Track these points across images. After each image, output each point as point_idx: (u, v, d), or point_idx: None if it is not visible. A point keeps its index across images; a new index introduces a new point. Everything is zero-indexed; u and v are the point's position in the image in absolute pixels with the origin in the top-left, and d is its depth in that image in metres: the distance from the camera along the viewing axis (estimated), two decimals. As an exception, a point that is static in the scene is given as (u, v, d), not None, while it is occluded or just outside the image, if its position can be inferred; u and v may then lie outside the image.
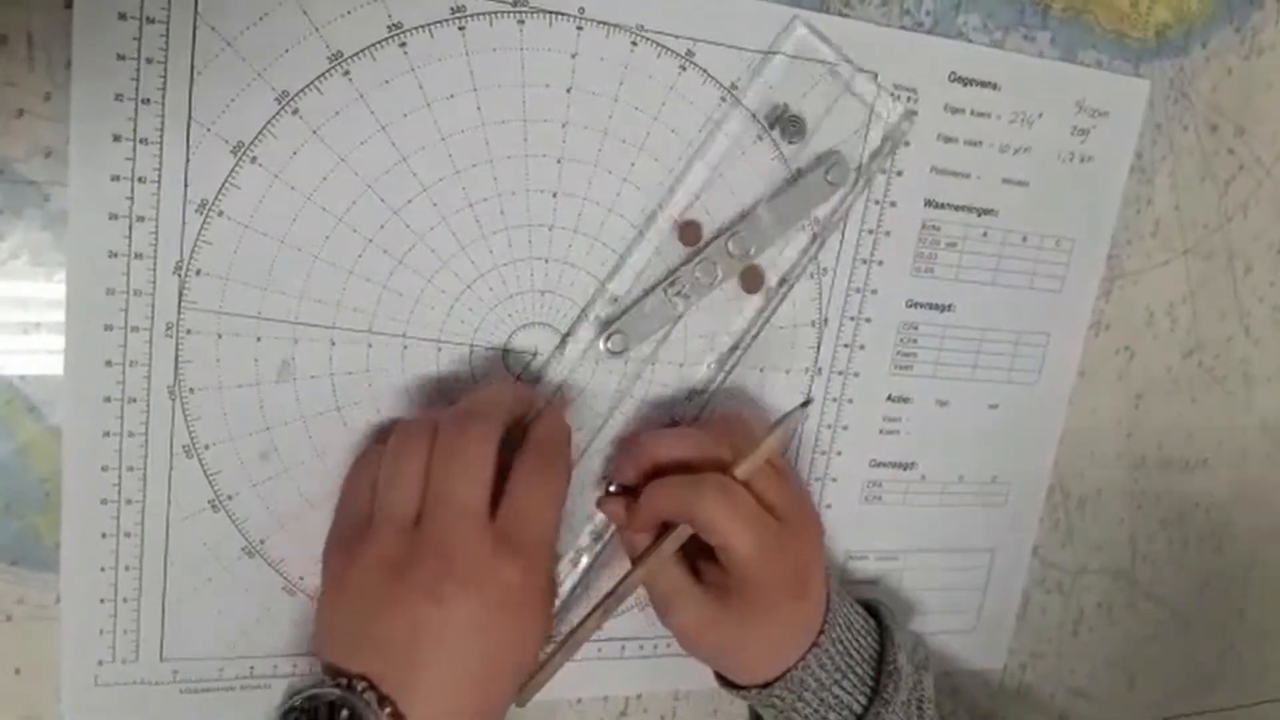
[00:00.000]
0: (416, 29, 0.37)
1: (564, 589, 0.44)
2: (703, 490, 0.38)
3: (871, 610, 0.46)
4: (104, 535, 0.38)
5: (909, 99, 0.44)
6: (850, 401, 0.47)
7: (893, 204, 0.45)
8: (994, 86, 0.45)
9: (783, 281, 0.44)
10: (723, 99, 0.41)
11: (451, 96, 0.38)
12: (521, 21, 0.38)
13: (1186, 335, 0.55)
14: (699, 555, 0.41)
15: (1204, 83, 0.50)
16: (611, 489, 0.43)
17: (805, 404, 0.41)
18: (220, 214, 0.36)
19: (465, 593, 0.34)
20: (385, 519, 0.35)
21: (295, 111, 0.36)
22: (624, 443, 0.44)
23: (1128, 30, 0.48)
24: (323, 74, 0.36)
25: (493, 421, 0.36)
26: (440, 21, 0.37)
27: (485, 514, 0.35)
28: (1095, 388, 0.53)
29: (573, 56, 0.39)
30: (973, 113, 0.45)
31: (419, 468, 0.35)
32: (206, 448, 0.38)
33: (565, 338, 0.42)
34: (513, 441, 0.38)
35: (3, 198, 0.34)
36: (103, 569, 0.38)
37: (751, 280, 0.44)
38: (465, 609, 0.34)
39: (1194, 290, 0.54)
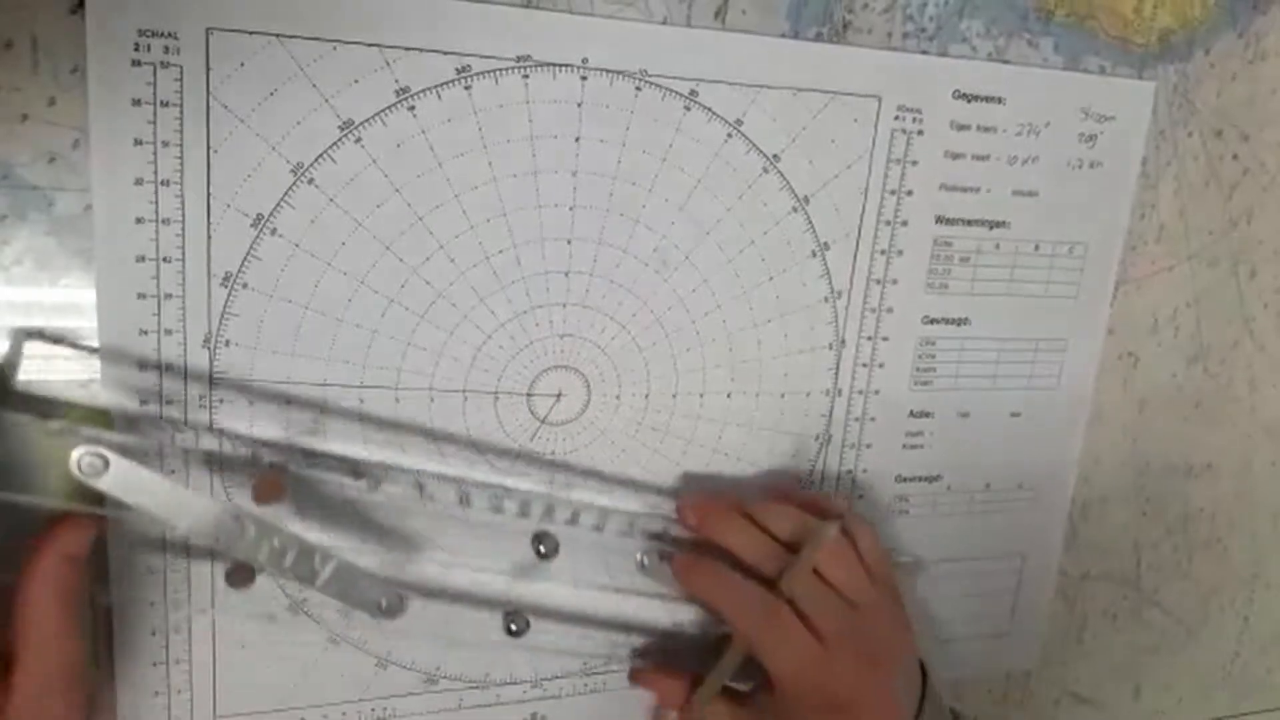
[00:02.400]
0: (424, 91, 0.37)
1: None
2: (745, 609, 0.41)
3: None
4: (152, 603, 0.39)
5: (914, 119, 0.44)
6: (872, 420, 0.48)
7: (904, 223, 0.46)
8: (999, 100, 0.46)
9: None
10: (729, 135, 0.42)
11: (462, 155, 0.38)
12: (526, 76, 0.39)
13: (1191, 341, 0.55)
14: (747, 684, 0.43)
15: (1208, 88, 0.50)
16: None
17: (838, 517, 0.42)
18: (245, 286, 0.37)
19: None
20: None
21: (311, 181, 0.37)
22: (698, 504, 0.44)
23: (1131, 36, 0.48)
24: (335, 143, 0.37)
25: None
26: (447, 83, 0.38)
27: None
28: (1099, 394, 0.53)
29: (578, 106, 0.39)
30: (979, 128, 0.46)
31: None
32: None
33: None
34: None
35: (7, 202, 0.35)
36: (153, 633, 0.39)
37: None
38: None
39: (1198, 296, 0.54)
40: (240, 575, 0.39)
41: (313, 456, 0.39)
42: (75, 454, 0.34)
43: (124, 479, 0.34)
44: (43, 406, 0.36)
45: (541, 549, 0.42)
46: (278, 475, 0.39)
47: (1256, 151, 0.52)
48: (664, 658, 0.47)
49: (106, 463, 0.34)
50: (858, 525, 0.44)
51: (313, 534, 0.39)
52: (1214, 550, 0.60)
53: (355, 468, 0.40)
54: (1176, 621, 0.61)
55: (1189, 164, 0.51)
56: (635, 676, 0.46)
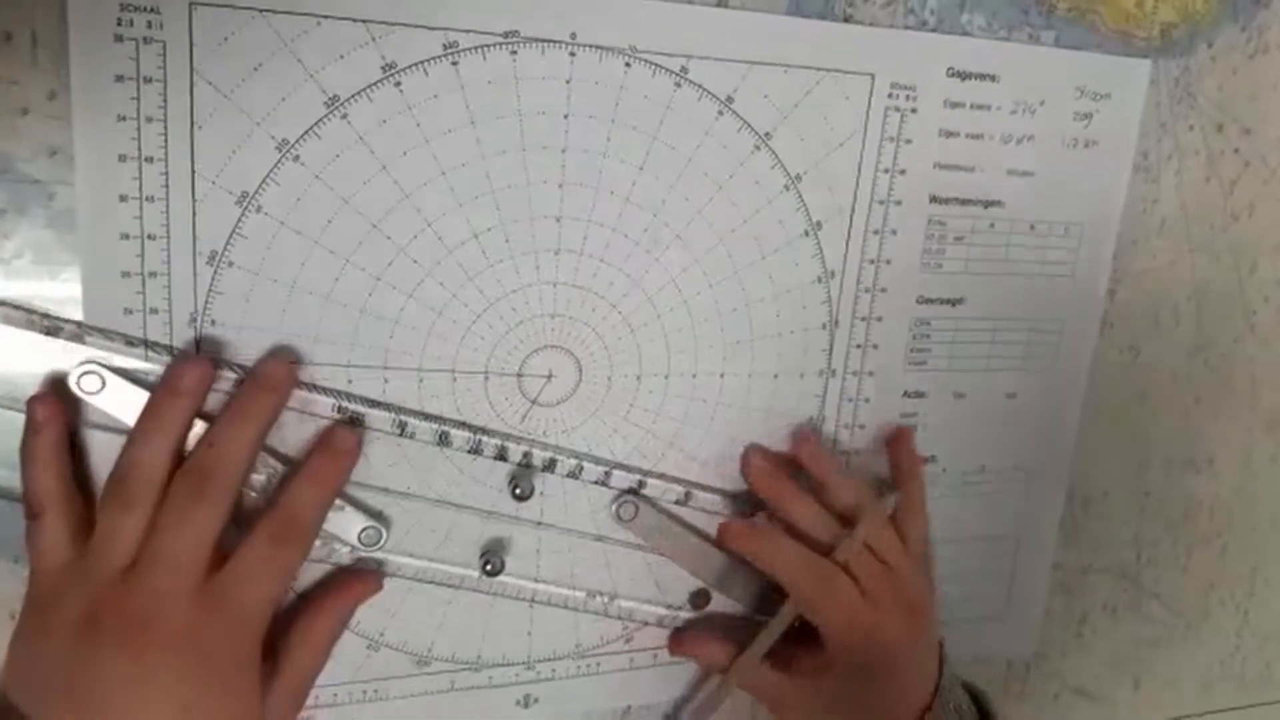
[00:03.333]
0: (410, 68, 0.37)
1: None
2: (801, 570, 0.43)
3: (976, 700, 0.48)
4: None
5: (908, 97, 0.44)
6: (866, 401, 0.48)
7: (897, 203, 0.45)
8: (993, 78, 0.45)
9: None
10: (719, 112, 0.41)
11: (449, 131, 0.38)
12: (514, 52, 0.38)
13: (1192, 335, 0.54)
14: (790, 650, 0.45)
15: (1209, 82, 0.50)
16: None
17: (894, 486, 0.46)
18: (230, 264, 0.37)
19: (162, 651, 0.33)
20: (95, 564, 0.34)
21: (296, 158, 0.37)
22: (766, 472, 0.45)
23: (1133, 29, 0.47)
24: (321, 119, 0.37)
25: (229, 488, 0.35)
26: (433, 58, 0.37)
27: (200, 576, 0.34)
28: (1100, 387, 0.53)
29: (567, 82, 0.39)
30: (973, 106, 0.45)
31: (141, 520, 0.34)
32: (234, 491, 0.39)
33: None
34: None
35: (7, 197, 0.35)
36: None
37: None
38: (161, 667, 0.33)
39: (1200, 290, 0.54)
40: None
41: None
42: (74, 372, 0.36)
43: (120, 398, 0.36)
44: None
45: (518, 490, 0.42)
46: None
47: (1258, 145, 0.52)
48: (701, 629, 0.47)
49: (104, 382, 0.36)
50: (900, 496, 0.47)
51: (297, 465, 0.39)
52: (1214, 544, 0.60)
53: (339, 405, 0.40)
54: (1176, 615, 0.61)
55: (1190, 158, 0.51)
56: (675, 645, 0.47)
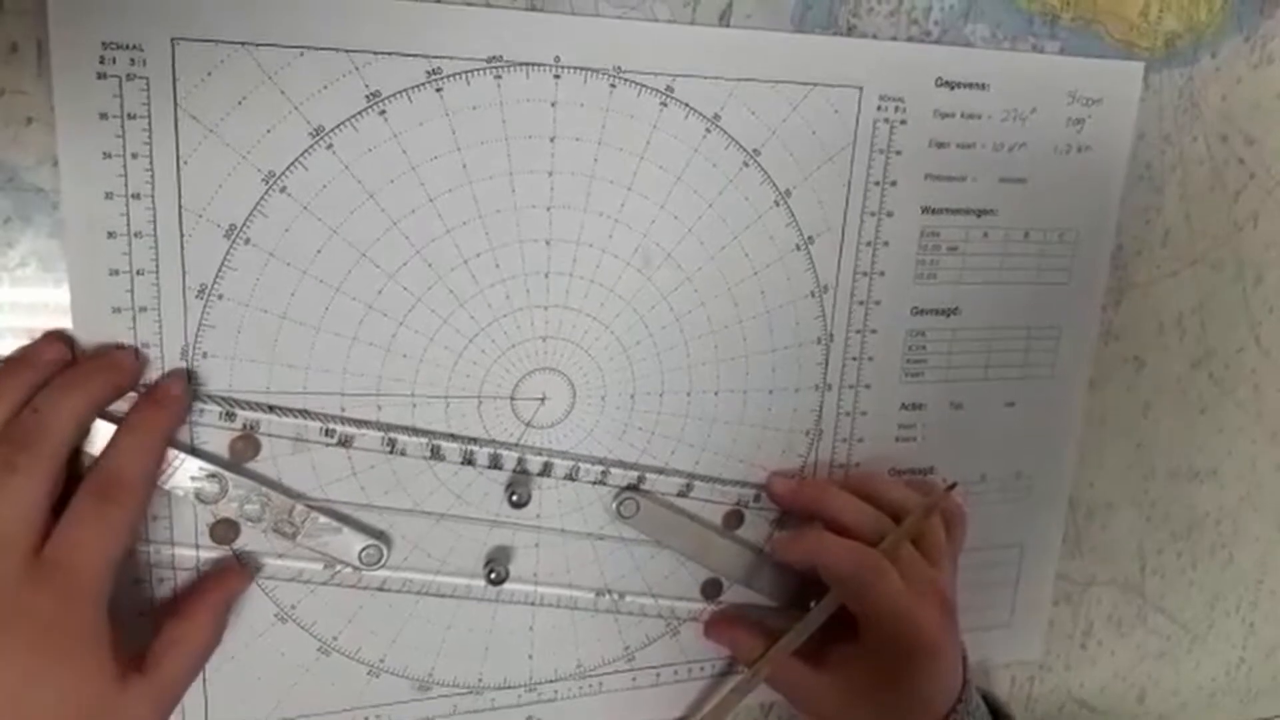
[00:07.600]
0: (395, 95, 0.37)
1: None
2: (848, 560, 0.43)
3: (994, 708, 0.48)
4: (141, 613, 0.39)
5: (897, 109, 0.44)
6: (864, 414, 0.47)
7: (889, 214, 0.45)
8: (983, 87, 0.45)
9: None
10: (707, 130, 0.41)
11: (436, 158, 0.38)
12: (498, 76, 0.38)
13: (1196, 345, 0.54)
14: (820, 645, 0.45)
15: (1213, 92, 0.50)
16: None
17: (950, 487, 0.45)
18: (220, 297, 0.37)
19: None
20: None
21: (283, 189, 0.37)
22: (789, 482, 0.46)
23: (1137, 40, 0.47)
24: (306, 149, 0.37)
25: (48, 455, 0.33)
26: (417, 86, 0.37)
27: (26, 548, 0.33)
28: (1104, 398, 0.53)
29: (552, 105, 0.39)
30: (963, 115, 0.45)
31: None
32: (230, 522, 0.39)
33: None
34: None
35: (11, 205, 0.35)
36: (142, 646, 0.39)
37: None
38: None
39: (1203, 300, 0.53)
40: (224, 531, 0.39)
41: (285, 413, 0.39)
42: None
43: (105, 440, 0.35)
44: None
45: (515, 497, 0.42)
46: (253, 434, 0.39)
47: (1262, 156, 0.52)
48: (735, 618, 0.48)
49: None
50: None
51: (290, 490, 0.39)
52: (1219, 556, 0.60)
53: (327, 427, 0.39)
54: (1181, 627, 0.60)
55: (1194, 168, 0.51)
56: (710, 628, 0.48)
